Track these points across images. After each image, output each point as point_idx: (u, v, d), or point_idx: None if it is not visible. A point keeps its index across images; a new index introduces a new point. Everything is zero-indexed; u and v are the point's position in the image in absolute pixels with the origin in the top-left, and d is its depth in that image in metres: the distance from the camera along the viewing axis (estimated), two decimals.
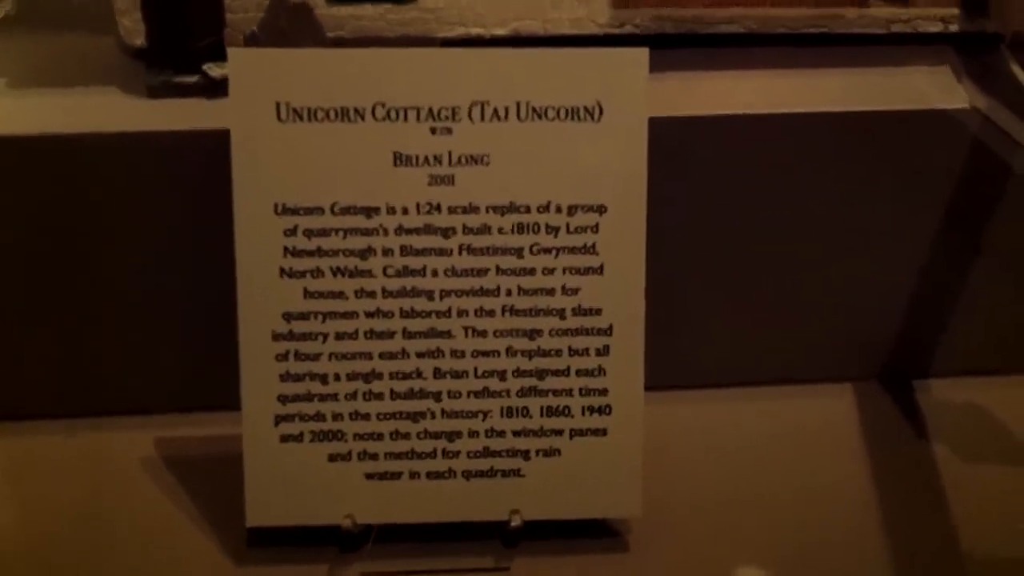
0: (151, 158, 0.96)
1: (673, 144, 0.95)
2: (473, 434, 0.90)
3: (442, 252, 0.88)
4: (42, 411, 1.04)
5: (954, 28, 1.09)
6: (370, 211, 0.87)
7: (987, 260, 1.08)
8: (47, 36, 1.12)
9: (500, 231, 0.88)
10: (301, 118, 0.86)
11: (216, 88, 0.96)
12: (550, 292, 0.89)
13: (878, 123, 1.02)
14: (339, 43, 1.02)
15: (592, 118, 0.87)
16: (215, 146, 0.90)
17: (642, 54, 0.87)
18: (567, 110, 0.87)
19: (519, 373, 0.90)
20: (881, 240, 1.07)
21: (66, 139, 0.95)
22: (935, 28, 1.09)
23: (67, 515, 0.96)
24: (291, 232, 0.87)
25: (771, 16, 1.05)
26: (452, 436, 0.90)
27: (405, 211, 0.87)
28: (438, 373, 0.89)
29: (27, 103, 1.00)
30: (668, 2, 1.05)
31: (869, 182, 1.04)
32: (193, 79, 0.97)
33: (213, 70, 0.97)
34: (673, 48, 1.05)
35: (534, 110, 0.87)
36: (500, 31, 1.05)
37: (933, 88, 1.06)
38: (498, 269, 0.88)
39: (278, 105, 0.86)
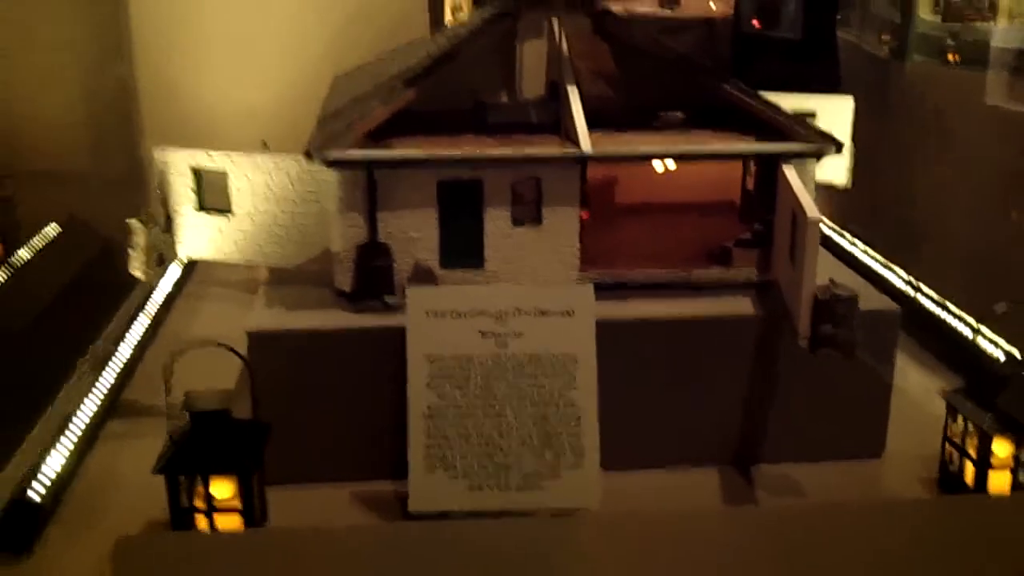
0: (364, 340, 1.92)
1: (605, 332, 1.93)
2: (519, 467, 1.85)
3: (502, 376, 1.87)
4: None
5: (752, 279, 2.07)
6: (469, 358, 1.87)
7: (782, 394, 2.05)
8: (293, 289, 2.09)
9: (529, 369, 1.88)
10: (438, 316, 1.89)
11: (390, 308, 1.97)
12: (552, 394, 1.88)
13: (713, 324, 2.01)
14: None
15: (570, 316, 1.90)
16: (392, 334, 1.92)
17: (590, 288, 1.91)
18: (558, 312, 1.90)
19: (540, 436, 1.87)
20: (726, 386, 2.05)
21: (324, 331, 1.93)
22: (743, 279, 2.07)
23: None
24: (432, 367, 1.87)
25: (656, 273, 2.07)
26: (508, 468, 1.85)
27: (485, 358, 1.88)
28: (501, 434, 1.86)
29: (297, 317, 1.96)
30: (605, 267, 2.09)
31: (713, 351, 2.00)
32: (379, 304, 1.99)
33: (388, 300, 1.98)
34: (606, 289, 2.01)
35: (543, 312, 1.89)
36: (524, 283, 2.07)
37: (741, 306, 2.02)
38: (529, 384, 1.88)
39: (426, 312, 1.89)
